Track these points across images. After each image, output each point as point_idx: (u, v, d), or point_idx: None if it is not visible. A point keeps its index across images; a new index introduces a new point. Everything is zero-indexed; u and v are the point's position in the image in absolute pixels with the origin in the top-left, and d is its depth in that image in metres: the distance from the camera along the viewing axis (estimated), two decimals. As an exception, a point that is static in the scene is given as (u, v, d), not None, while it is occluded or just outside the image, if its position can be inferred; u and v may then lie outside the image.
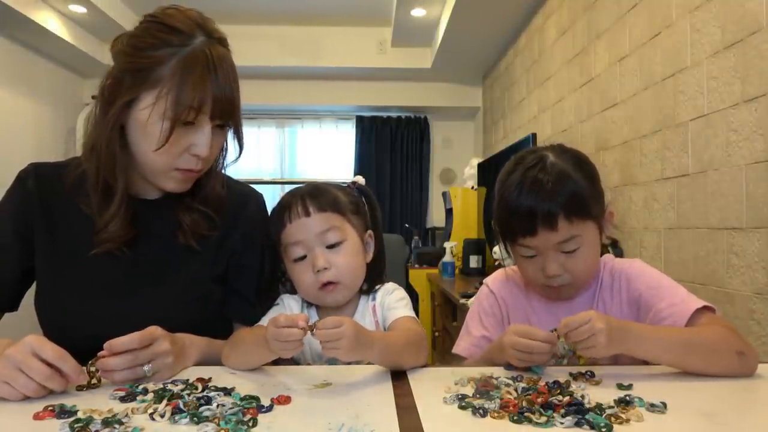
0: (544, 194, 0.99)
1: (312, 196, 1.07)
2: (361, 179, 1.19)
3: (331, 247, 1.06)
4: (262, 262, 1.15)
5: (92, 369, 0.85)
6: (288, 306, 1.11)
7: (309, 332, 0.83)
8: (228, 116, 1.01)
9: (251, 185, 1.23)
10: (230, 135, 1.07)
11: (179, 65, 0.95)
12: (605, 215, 1.07)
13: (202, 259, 1.10)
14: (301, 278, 1.07)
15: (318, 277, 1.05)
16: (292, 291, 1.14)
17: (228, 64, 1.01)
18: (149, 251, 1.07)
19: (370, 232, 1.14)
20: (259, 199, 1.20)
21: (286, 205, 1.08)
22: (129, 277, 1.05)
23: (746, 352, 0.91)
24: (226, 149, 1.10)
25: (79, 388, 0.84)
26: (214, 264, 1.11)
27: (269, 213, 1.15)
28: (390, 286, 1.14)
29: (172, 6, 1.02)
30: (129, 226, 1.04)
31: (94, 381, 0.86)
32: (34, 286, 1.09)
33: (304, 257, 1.06)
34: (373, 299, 1.12)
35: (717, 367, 0.90)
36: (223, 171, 1.13)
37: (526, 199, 1.00)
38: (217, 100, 0.97)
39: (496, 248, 3.01)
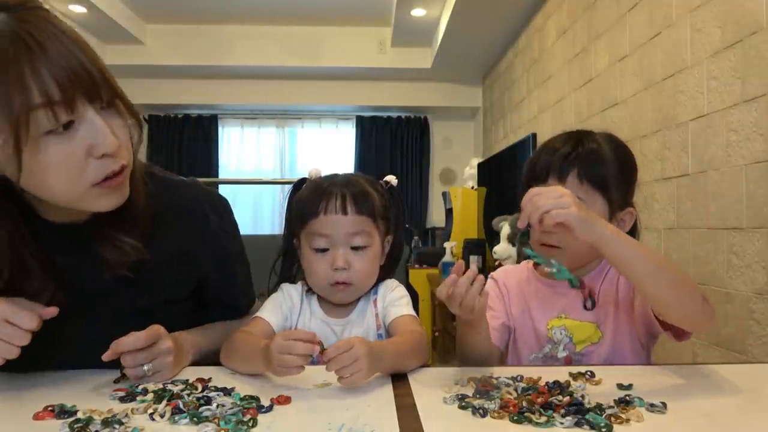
0: (572, 143, 1.06)
1: (353, 194, 1.05)
2: (393, 179, 1.16)
3: (354, 248, 1.05)
4: (239, 268, 1.13)
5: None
6: (288, 294, 1.11)
7: (318, 354, 0.82)
8: (95, 91, 0.77)
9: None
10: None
11: None
12: (624, 211, 1.08)
13: (145, 284, 0.94)
14: (315, 268, 1.06)
15: (334, 274, 1.05)
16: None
17: (54, 28, 0.76)
18: (83, 283, 0.90)
19: (389, 237, 1.14)
20: (218, 208, 1.08)
21: (323, 193, 1.05)
22: (70, 312, 0.87)
23: (708, 301, 0.90)
24: (138, 141, 0.88)
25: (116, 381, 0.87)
26: (176, 282, 1.01)
27: (297, 188, 1.11)
28: (392, 282, 1.14)
29: None
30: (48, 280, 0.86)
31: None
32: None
33: (325, 250, 1.05)
34: (375, 293, 1.12)
35: (682, 303, 0.88)
36: (146, 175, 0.95)
37: (556, 142, 1.08)
38: (62, 78, 0.74)
39: (496, 248, 3.01)
